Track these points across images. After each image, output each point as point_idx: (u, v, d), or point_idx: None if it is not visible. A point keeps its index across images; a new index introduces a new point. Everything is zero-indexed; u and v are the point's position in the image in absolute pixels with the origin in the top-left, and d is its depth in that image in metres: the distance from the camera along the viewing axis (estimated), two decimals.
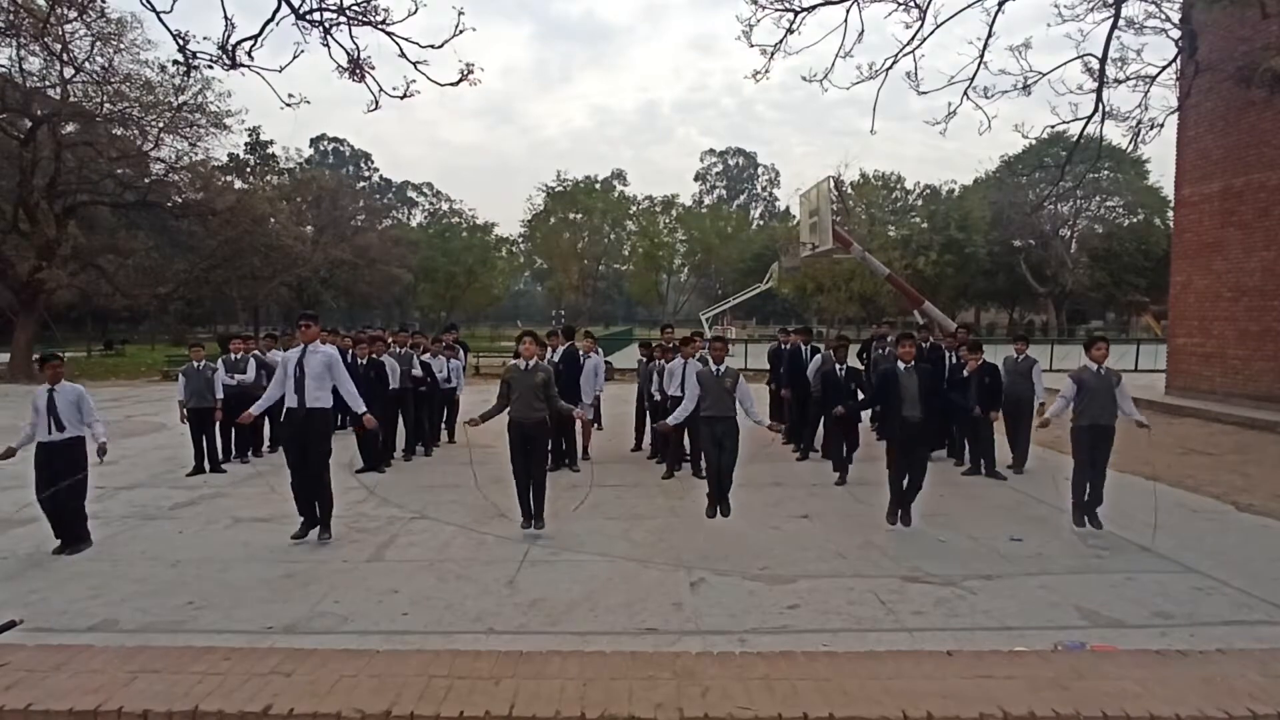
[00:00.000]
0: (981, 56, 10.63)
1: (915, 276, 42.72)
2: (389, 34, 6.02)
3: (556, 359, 8.69)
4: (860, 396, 7.92)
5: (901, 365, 6.08)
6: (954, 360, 9.03)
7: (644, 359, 9.72)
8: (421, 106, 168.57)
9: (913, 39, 10.17)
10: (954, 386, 8.55)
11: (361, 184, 65.88)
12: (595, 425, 10.55)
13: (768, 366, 10.97)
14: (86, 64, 20.36)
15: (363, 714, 2.63)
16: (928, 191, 55.91)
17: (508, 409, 6.05)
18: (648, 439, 9.57)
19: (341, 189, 47.05)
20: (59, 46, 18.82)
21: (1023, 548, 5.72)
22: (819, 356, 9.28)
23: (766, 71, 10.99)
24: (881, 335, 11.51)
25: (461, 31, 5.84)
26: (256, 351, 9.50)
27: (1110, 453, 6.22)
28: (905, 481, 6.11)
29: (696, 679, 2.87)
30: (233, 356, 9.11)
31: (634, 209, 62.29)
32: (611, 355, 22.30)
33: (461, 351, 11.47)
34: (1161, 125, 12.88)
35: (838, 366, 8.42)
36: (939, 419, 8.20)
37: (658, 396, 8.92)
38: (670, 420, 6.49)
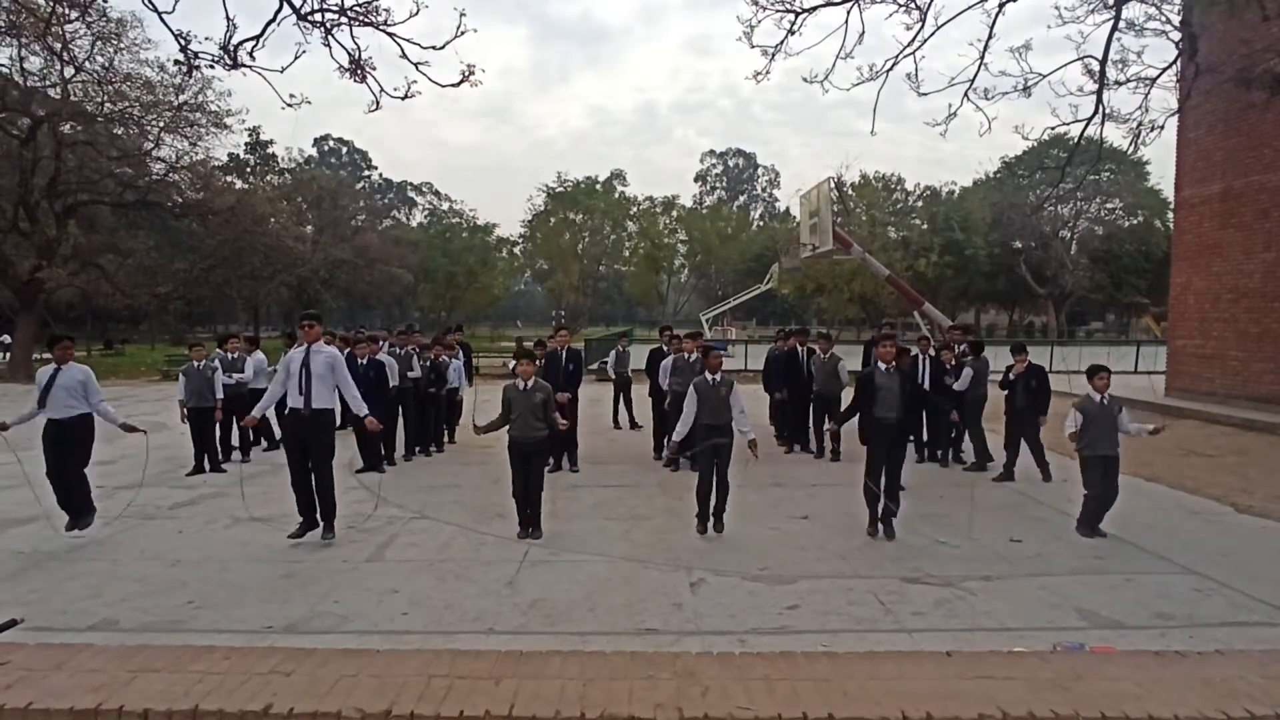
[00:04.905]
0: (982, 58, 10.59)
1: (916, 278, 42.76)
2: (390, 35, 6.01)
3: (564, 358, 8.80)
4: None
5: (882, 366, 6.01)
6: (953, 363, 8.91)
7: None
8: (420, 107, 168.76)
9: (913, 40, 10.14)
10: (947, 386, 8.54)
11: (361, 184, 65.93)
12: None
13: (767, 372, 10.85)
14: (87, 63, 20.42)
15: (363, 714, 2.63)
16: (928, 193, 55.95)
17: (508, 427, 6.10)
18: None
19: (341, 189, 47.14)
20: (59, 46, 18.83)
21: (1022, 549, 5.72)
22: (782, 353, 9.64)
23: (767, 72, 10.92)
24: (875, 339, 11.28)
25: (463, 33, 5.82)
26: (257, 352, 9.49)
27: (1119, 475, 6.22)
28: (882, 486, 5.90)
29: (696, 679, 2.87)
30: (229, 356, 9.10)
31: (634, 209, 62.33)
32: (610, 355, 22.28)
33: (463, 352, 11.43)
34: (1162, 127, 12.84)
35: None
36: (918, 419, 8.19)
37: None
38: (674, 437, 6.42)
